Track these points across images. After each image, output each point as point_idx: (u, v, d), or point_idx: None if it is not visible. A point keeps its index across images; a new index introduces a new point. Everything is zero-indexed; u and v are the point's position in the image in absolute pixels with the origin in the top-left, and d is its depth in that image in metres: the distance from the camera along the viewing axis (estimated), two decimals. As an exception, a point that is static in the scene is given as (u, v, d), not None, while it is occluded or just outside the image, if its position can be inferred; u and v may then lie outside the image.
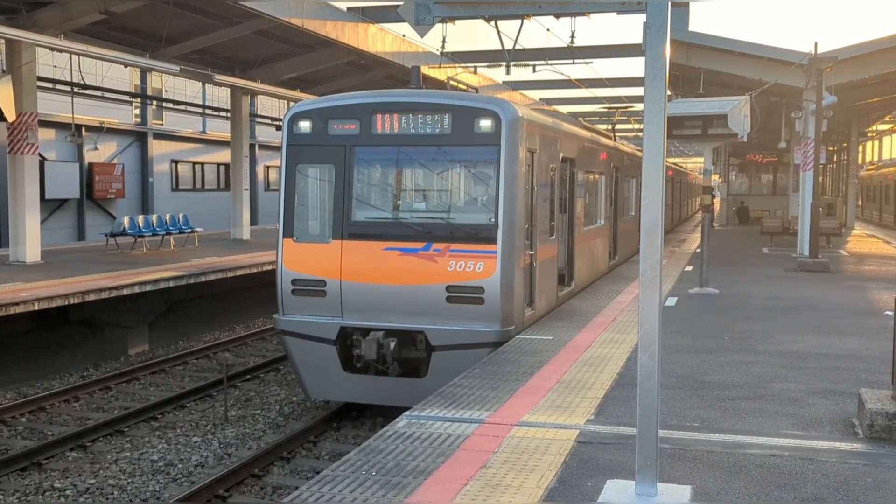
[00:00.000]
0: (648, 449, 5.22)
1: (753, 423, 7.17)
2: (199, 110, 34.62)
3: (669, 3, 5.10)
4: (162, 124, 34.37)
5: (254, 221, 35.01)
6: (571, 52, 23.93)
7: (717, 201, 40.66)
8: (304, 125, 11.53)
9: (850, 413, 7.38)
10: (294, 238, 11.54)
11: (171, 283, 16.55)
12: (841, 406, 7.66)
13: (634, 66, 54.31)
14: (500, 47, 19.84)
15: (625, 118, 44.36)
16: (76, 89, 25.77)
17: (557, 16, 19.68)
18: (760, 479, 5.79)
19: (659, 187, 5.15)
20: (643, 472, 5.27)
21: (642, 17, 5.33)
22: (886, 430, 6.55)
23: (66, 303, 14.14)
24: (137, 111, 33.00)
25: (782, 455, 6.29)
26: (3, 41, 18.98)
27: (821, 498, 5.48)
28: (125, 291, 15.33)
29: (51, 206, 27.75)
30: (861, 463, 6.13)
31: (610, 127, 29.66)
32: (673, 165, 40.60)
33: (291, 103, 26.73)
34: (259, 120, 37.94)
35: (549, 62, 26.47)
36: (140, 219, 22.51)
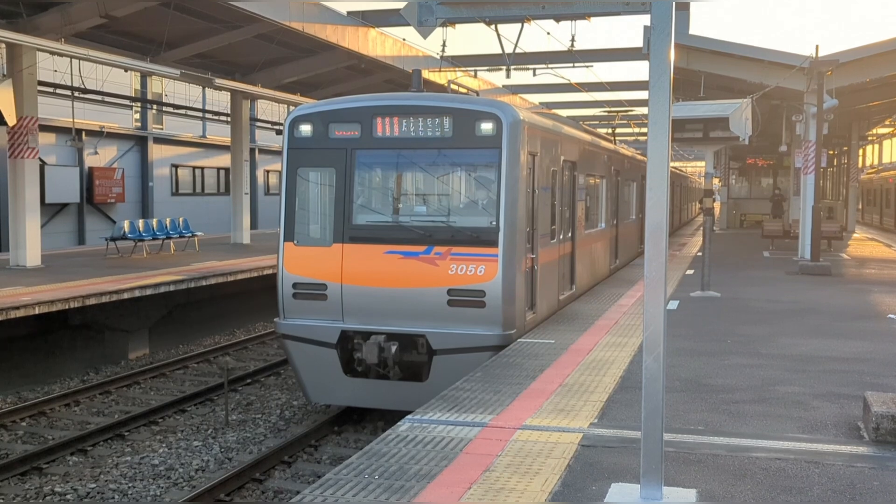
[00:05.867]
0: (653, 452, 5.19)
1: (758, 426, 7.13)
2: (200, 114, 34.62)
3: (674, 4, 5.08)
4: (162, 128, 34.36)
5: (254, 225, 35.00)
6: (572, 56, 23.94)
7: (717, 205, 40.43)
8: (306, 129, 11.51)
9: (855, 416, 7.34)
10: (295, 242, 11.51)
11: (172, 288, 16.52)
12: (846, 409, 7.62)
13: (635, 70, 54.37)
14: (500, 51, 19.82)
15: (625, 122, 44.40)
16: (76, 93, 25.77)
17: (558, 19, 19.66)
18: (766, 483, 5.76)
19: (663, 189, 5.12)
20: (648, 475, 5.23)
21: (643, 20, 5.31)
22: (892, 434, 6.52)
23: (67, 307, 14.10)
24: (137, 115, 33.00)
25: (787, 458, 6.25)
26: (3, 45, 18.97)
27: (826, 501, 5.45)
28: (126, 295, 15.30)
29: (51, 211, 27.73)
30: (867, 466, 6.09)
31: (610, 130, 29.67)
32: (673, 169, 40.56)
33: (291, 107, 26.79)
34: (259, 124, 37.94)
35: (550, 66, 26.47)
36: (140, 223, 22.49)
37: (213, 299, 19.34)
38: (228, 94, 27.33)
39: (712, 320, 12.72)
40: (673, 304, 14.17)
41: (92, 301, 14.53)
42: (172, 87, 32.67)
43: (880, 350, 10.37)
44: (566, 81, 29.68)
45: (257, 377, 15.11)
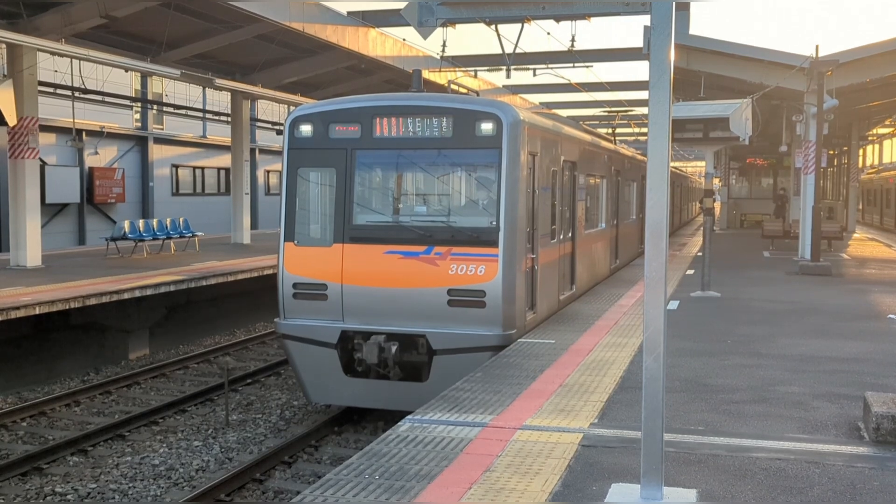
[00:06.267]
0: (654, 452, 5.19)
1: (758, 426, 7.14)
2: (200, 114, 34.61)
3: (674, 4, 5.08)
4: (162, 129, 34.36)
5: (254, 226, 34.99)
6: (572, 56, 23.94)
7: (717, 205, 40.28)
8: (306, 129, 11.51)
9: (855, 416, 7.34)
10: (295, 242, 11.52)
11: (172, 288, 16.51)
12: (846, 409, 7.62)
13: (635, 70, 54.38)
14: (500, 51, 19.83)
15: (625, 122, 44.40)
16: (77, 94, 25.77)
17: (558, 19, 19.68)
18: (766, 483, 5.76)
19: (664, 189, 5.12)
20: (648, 475, 5.23)
21: (643, 21, 5.32)
22: (893, 434, 6.51)
23: (67, 307, 14.10)
24: (138, 116, 33.00)
25: (788, 459, 6.25)
26: (3, 45, 18.97)
27: (827, 502, 5.45)
28: (126, 296, 15.30)
29: (51, 211, 27.74)
30: (867, 467, 6.09)
31: (610, 131, 29.67)
32: (673, 169, 40.52)
33: (292, 107, 26.79)
34: (259, 124, 37.93)
35: (550, 66, 26.47)
36: (140, 223, 22.49)
37: (213, 299, 19.35)
38: (228, 94, 27.33)
39: (712, 320, 12.72)
40: (673, 305, 14.17)
41: (92, 301, 14.53)
42: (173, 88, 32.68)
43: (880, 350, 10.37)
44: (566, 81, 29.67)
45: (257, 377, 15.11)
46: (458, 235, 10.94)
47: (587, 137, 16.54)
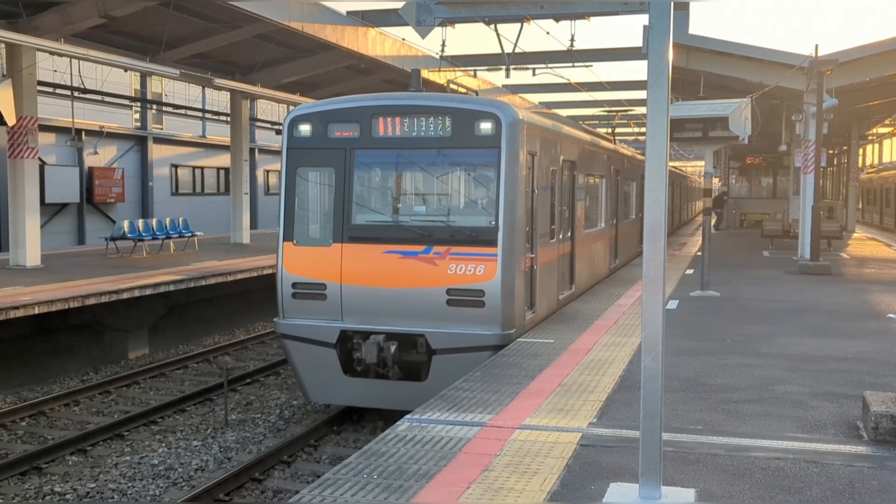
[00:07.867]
0: (652, 452, 5.18)
1: (757, 426, 7.13)
2: (199, 114, 34.60)
3: (672, 4, 5.07)
4: (162, 128, 34.34)
5: (254, 225, 34.97)
6: (571, 56, 23.93)
7: None
8: (305, 128, 11.51)
9: (854, 416, 7.34)
10: (294, 241, 11.51)
11: (172, 287, 16.51)
12: (845, 409, 7.62)
13: (634, 70, 54.39)
14: (499, 51, 19.83)
15: (624, 122, 44.39)
16: (76, 93, 25.75)
17: (557, 19, 19.67)
18: (765, 483, 5.76)
19: (662, 189, 5.12)
20: (647, 475, 5.23)
21: (643, 20, 5.31)
22: (891, 433, 6.51)
23: (67, 307, 14.10)
24: (137, 115, 32.99)
25: (786, 458, 6.25)
26: (3, 45, 18.96)
27: (825, 501, 5.45)
28: (125, 295, 15.30)
29: (51, 211, 27.73)
30: (866, 466, 6.09)
31: (610, 130, 29.67)
32: (673, 168, 40.52)
33: (291, 107, 26.78)
34: (259, 124, 37.92)
35: (549, 65, 26.46)
36: (140, 223, 22.49)
37: (212, 299, 19.34)
38: (228, 93, 27.32)
39: (711, 320, 12.72)
40: (672, 304, 14.17)
41: (91, 301, 14.53)
42: (172, 87, 32.66)
43: (880, 349, 10.37)
44: (566, 81, 29.67)
45: (257, 377, 15.10)
46: (458, 235, 10.94)
47: (586, 137, 16.53)
